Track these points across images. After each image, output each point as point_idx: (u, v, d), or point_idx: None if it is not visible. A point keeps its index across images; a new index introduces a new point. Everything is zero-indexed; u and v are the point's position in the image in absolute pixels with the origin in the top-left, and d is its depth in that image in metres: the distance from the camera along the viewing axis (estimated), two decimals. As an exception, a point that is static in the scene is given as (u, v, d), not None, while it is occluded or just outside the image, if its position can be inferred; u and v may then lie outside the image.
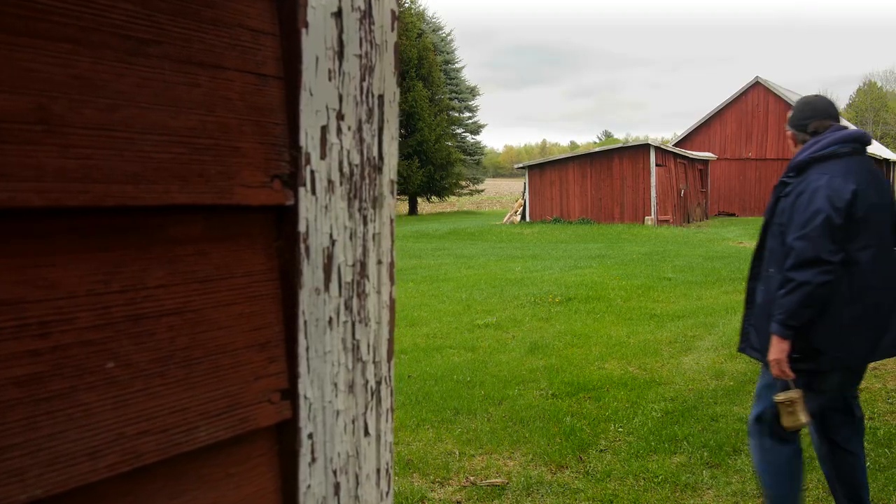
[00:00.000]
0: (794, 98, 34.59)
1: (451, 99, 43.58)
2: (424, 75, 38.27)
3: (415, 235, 22.62)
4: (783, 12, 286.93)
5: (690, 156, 29.20)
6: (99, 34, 0.54)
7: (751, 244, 20.11)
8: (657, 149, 26.27)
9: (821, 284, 2.73)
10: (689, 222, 28.24)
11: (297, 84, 0.67)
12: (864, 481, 3.12)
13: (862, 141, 2.89)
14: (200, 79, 0.60)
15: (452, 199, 46.14)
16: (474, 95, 46.20)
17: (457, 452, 4.47)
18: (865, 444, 4.50)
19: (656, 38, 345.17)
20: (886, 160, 39.76)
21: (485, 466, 4.26)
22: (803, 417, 2.87)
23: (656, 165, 25.87)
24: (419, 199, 41.15)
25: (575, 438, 4.60)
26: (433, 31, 43.80)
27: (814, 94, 3.12)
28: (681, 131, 36.00)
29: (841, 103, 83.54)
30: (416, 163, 37.35)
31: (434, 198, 42.32)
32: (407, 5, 39.17)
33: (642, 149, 26.26)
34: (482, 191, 49.18)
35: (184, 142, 0.59)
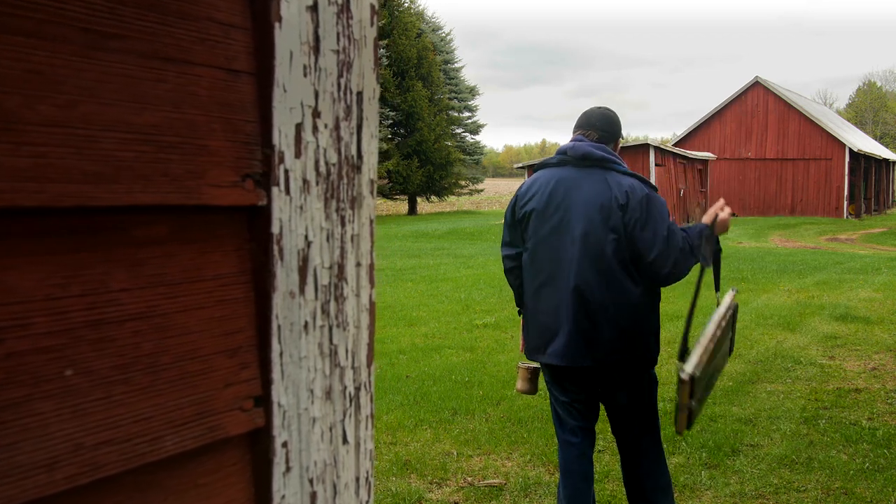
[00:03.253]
0: (793, 98, 34.60)
1: (450, 99, 43.53)
2: (424, 75, 38.23)
3: (414, 235, 22.60)
4: (785, 13, 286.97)
5: (690, 155, 29.18)
6: (57, 27, 0.52)
7: (750, 244, 20.14)
8: (656, 148, 26.25)
9: (504, 271, 3.21)
10: (688, 222, 28.21)
11: (270, 80, 0.65)
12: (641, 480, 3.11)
13: (570, 153, 2.99)
14: (166, 74, 0.58)
15: (452, 198, 46.11)
16: (474, 95, 46.14)
17: (455, 453, 4.45)
18: (865, 444, 4.49)
19: (661, 37, 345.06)
20: (886, 160, 39.75)
21: (483, 467, 4.24)
22: (528, 386, 3.29)
23: (655, 165, 25.84)
24: (418, 199, 41.11)
25: (573, 439, 4.58)
26: (433, 30, 43.75)
27: (605, 106, 3.25)
28: (681, 131, 35.98)
29: (841, 103, 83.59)
30: (416, 162, 37.32)
31: (433, 197, 42.28)
32: (406, 5, 39.12)
33: (641, 149, 26.23)
34: (482, 190, 49.12)
35: (148, 140, 0.57)
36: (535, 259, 2.99)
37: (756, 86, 34.32)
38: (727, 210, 2.98)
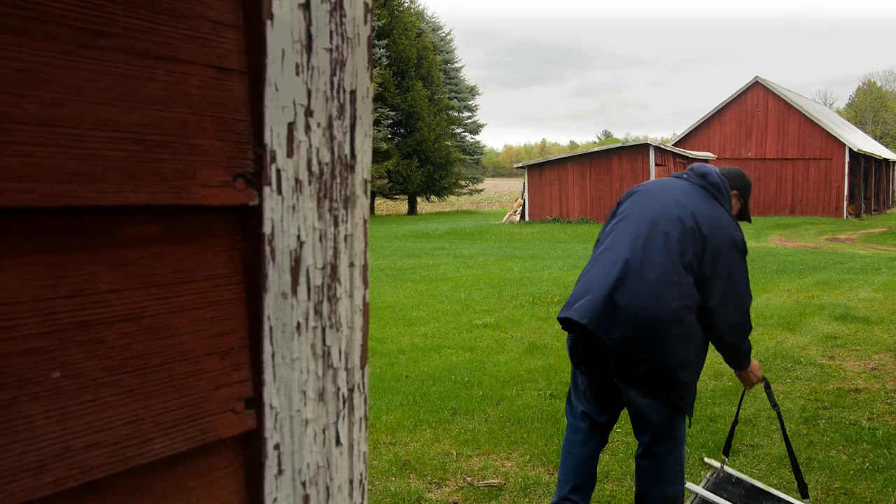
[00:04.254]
0: (792, 97, 34.57)
1: (450, 98, 43.53)
2: (424, 75, 38.23)
3: (414, 235, 22.59)
4: (785, 13, 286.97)
5: (689, 155, 29.19)
6: (44, 25, 0.51)
7: (750, 244, 20.13)
8: (656, 148, 26.26)
9: None
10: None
11: (261, 79, 0.64)
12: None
13: (694, 169, 3.16)
14: (156, 72, 0.57)
15: (452, 198, 46.12)
16: (474, 95, 46.13)
17: (454, 453, 4.44)
18: (865, 444, 4.48)
19: (662, 37, 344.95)
20: (886, 160, 39.73)
21: (482, 467, 4.24)
22: None
23: (655, 165, 25.85)
24: (418, 199, 41.12)
25: (572, 439, 4.58)
26: (433, 30, 43.74)
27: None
28: (681, 131, 35.96)
29: (841, 103, 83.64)
30: (416, 162, 37.32)
31: (433, 197, 42.29)
32: (406, 5, 39.12)
33: (641, 148, 26.25)
34: (481, 190, 49.13)
35: (137, 139, 0.56)
36: (611, 231, 3.07)
37: (756, 86, 34.30)
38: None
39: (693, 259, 2.85)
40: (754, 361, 3.18)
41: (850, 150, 32.66)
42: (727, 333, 2.94)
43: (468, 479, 4.08)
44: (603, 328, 2.85)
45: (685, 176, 3.14)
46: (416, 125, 37.55)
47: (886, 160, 39.89)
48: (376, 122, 35.26)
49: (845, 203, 32.83)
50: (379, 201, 42.19)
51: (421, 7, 43.03)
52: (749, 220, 3.34)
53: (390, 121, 37.37)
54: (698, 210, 2.92)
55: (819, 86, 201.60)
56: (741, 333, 2.98)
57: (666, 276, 2.82)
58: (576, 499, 3.12)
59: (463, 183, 43.62)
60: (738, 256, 2.92)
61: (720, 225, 2.91)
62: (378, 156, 35.41)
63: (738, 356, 3.09)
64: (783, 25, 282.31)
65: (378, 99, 35.32)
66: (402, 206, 41.89)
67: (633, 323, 2.81)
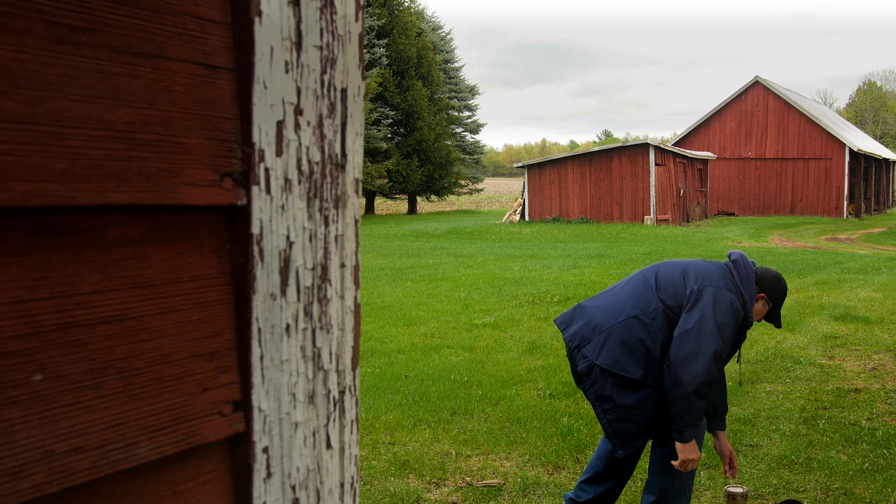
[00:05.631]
0: (792, 97, 34.53)
1: (450, 98, 43.48)
2: (424, 74, 38.20)
3: (413, 234, 22.57)
4: (787, 12, 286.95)
5: (690, 155, 29.16)
6: (21, 20, 0.50)
7: (750, 244, 20.14)
8: (656, 148, 26.22)
9: None
10: (688, 222, 28.21)
11: (250, 76, 0.63)
12: None
13: (729, 253, 3.20)
14: (140, 69, 0.56)
15: (452, 198, 46.10)
16: (474, 94, 46.07)
17: (453, 453, 4.43)
18: (864, 444, 4.47)
19: (664, 37, 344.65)
20: (886, 160, 39.71)
21: (481, 467, 4.23)
22: None
23: (655, 165, 25.82)
24: (418, 199, 41.10)
25: (572, 439, 4.57)
26: (433, 29, 43.69)
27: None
28: (682, 131, 35.93)
29: (841, 103, 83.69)
30: (416, 162, 37.29)
31: (433, 197, 42.27)
32: (406, 4, 39.08)
33: (641, 148, 26.22)
34: (481, 190, 49.10)
35: (120, 137, 0.55)
36: (616, 289, 3.27)
37: (756, 85, 34.27)
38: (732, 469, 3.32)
39: (674, 298, 2.99)
40: (696, 453, 2.93)
41: (850, 149, 32.63)
42: (678, 371, 2.79)
43: (467, 479, 4.07)
44: (565, 323, 3.17)
45: (725, 262, 3.20)
46: (416, 124, 37.51)
47: (886, 160, 39.87)
48: (376, 122, 35.22)
49: (845, 203, 32.81)
50: (379, 201, 42.19)
51: (421, 6, 42.95)
52: (778, 325, 3.21)
53: (390, 120, 37.33)
54: (702, 269, 3.06)
55: (821, 85, 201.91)
56: (692, 376, 2.77)
57: (634, 294, 3.07)
58: (586, 488, 3.32)
59: (463, 182, 43.59)
60: (715, 307, 2.87)
61: (713, 279, 2.97)
62: (378, 155, 35.37)
63: (682, 409, 2.81)
64: (786, 25, 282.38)
65: (378, 98, 35.27)
66: (402, 205, 41.87)
67: (586, 319, 3.08)
